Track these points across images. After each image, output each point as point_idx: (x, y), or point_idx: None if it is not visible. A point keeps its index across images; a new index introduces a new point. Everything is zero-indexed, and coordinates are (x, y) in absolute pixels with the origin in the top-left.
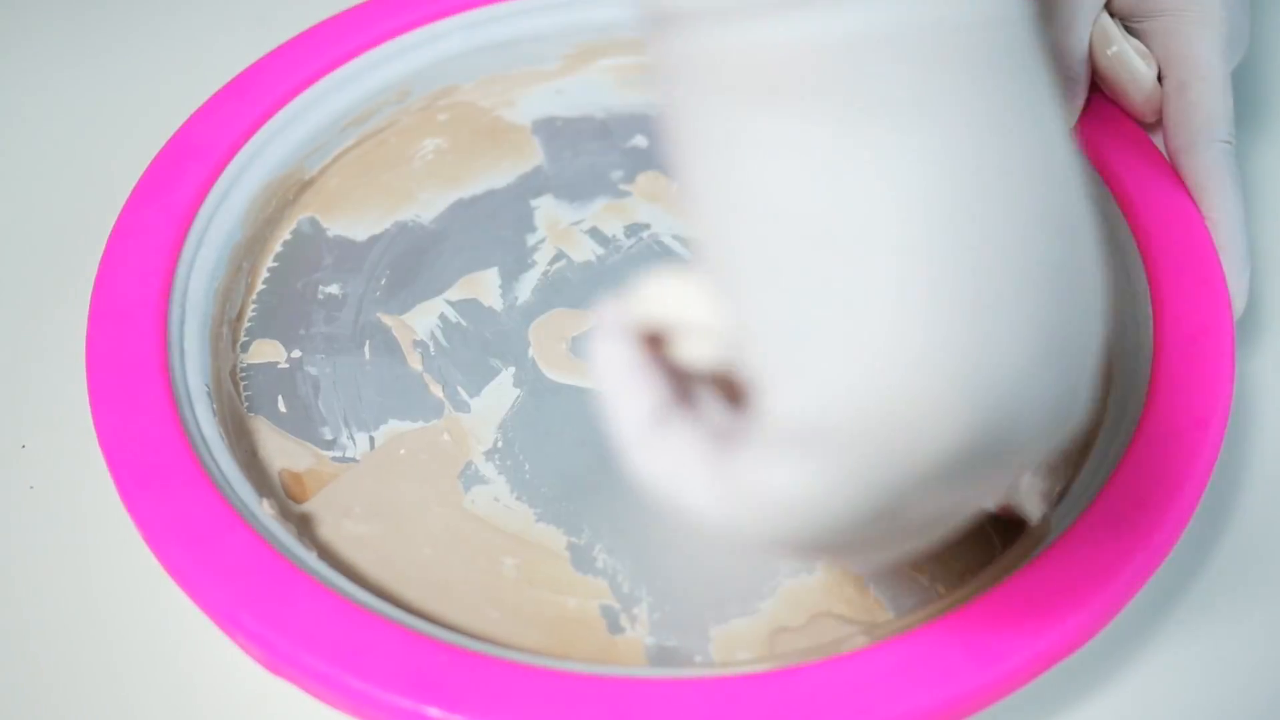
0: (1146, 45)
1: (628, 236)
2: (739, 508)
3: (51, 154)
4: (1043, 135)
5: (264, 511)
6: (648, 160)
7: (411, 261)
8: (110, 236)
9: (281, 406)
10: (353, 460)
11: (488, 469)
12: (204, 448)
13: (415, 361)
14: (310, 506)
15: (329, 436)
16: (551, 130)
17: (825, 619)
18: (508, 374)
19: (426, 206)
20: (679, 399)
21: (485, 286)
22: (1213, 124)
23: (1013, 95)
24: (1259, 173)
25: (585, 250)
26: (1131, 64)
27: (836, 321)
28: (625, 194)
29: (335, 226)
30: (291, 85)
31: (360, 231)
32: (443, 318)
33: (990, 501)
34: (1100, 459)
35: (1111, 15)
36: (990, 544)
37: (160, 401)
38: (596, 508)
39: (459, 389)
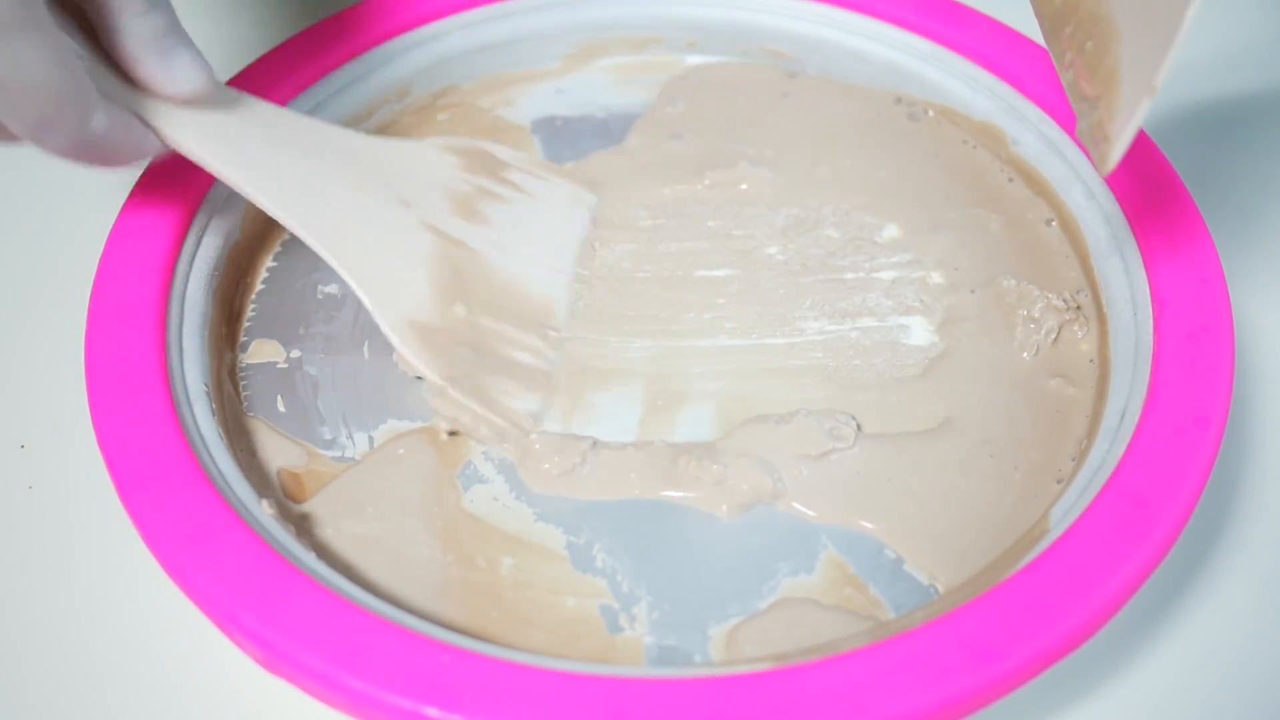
0: None
1: None
2: None
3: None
4: None
5: (263, 511)
6: None
7: None
8: (110, 236)
9: (281, 406)
10: (352, 460)
11: (487, 468)
12: (203, 448)
13: None
14: (309, 506)
15: (328, 436)
16: (551, 130)
17: (824, 618)
18: None
19: None
20: None
21: None
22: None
23: None
24: (1259, 172)
25: None
26: None
27: None
28: None
29: None
30: (291, 85)
31: None
32: None
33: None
34: (1100, 458)
35: None
36: (990, 544)
37: (159, 401)
38: (596, 507)
39: None
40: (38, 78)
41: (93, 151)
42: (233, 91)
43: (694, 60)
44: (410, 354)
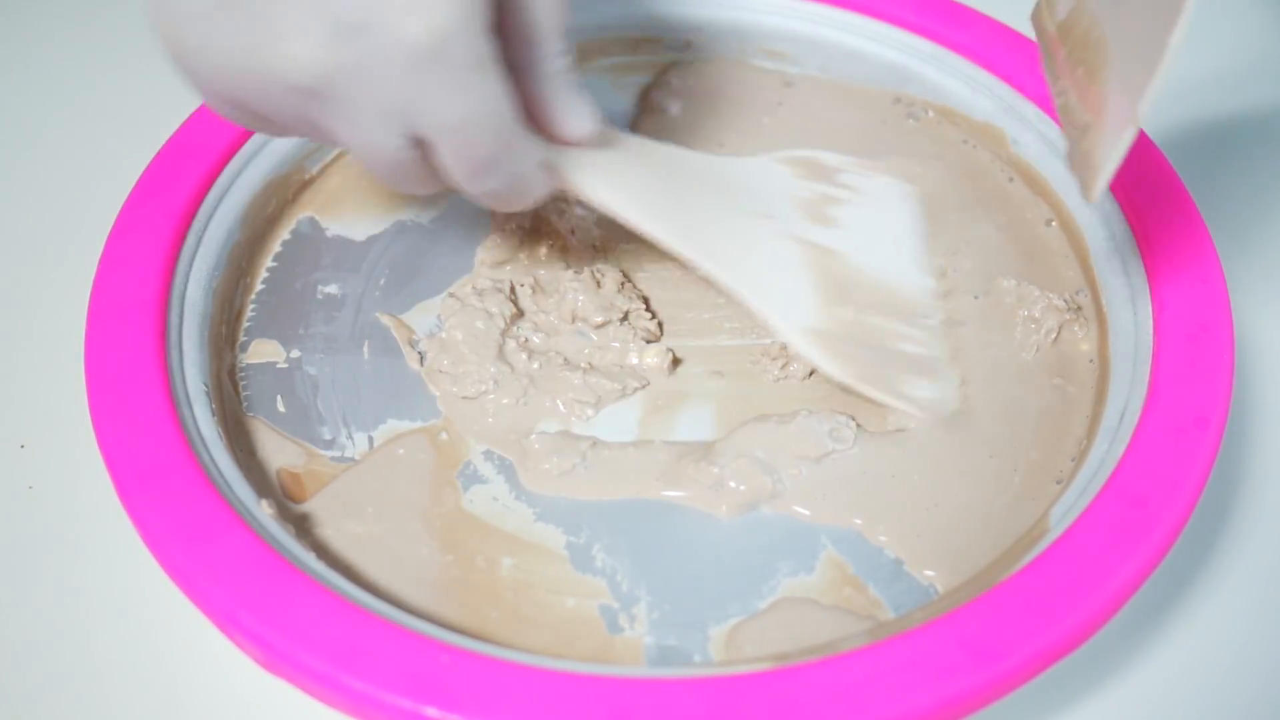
0: None
1: None
2: None
3: (52, 153)
4: None
5: (263, 511)
6: None
7: (411, 261)
8: (110, 236)
9: (280, 406)
10: (351, 460)
11: (486, 468)
12: (203, 448)
13: (414, 361)
14: (309, 506)
15: (328, 436)
16: None
17: (824, 618)
18: None
19: (425, 206)
20: None
21: None
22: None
23: None
24: (1259, 175)
25: None
26: None
27: None
28: None
29: (334, 226)
30: None
31: (359, 231)
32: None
33: None
34: (1100, 458)
35: None
36: (990, 544)
37: (159, 401)
38: (595, 507)
39: None
40: (489, 117)
41: (510, 193)
42: (603, 126)
43: (693, 60)
44: (819, 361)
